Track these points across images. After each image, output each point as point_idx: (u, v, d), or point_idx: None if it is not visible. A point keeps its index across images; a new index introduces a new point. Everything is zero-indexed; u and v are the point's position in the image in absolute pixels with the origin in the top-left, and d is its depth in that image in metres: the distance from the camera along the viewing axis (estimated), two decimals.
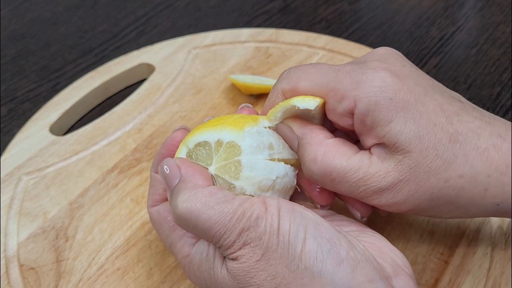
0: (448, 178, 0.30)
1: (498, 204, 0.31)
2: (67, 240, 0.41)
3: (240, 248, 0.28)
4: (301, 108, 0.32)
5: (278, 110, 0.33)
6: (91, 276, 0.39)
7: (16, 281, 0.39)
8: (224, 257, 0.29)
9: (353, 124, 0.32)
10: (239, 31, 0.59)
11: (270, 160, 0.32)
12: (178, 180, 0.30)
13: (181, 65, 0.56)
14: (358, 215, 0.35)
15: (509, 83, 0.55)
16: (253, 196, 0.30)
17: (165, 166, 0.31)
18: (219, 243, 0.28)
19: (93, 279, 0.39)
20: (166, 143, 0.36)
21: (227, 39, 0.58)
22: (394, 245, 0.39)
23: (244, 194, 0.31)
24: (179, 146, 0.33)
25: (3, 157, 0.47)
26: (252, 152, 0.31)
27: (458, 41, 0.61)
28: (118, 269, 0.39)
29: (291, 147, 0.33)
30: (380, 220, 0.41)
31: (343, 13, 0.66)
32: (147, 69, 0.56)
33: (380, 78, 0.31)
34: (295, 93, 0.33)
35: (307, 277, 0.26)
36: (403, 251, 0.39)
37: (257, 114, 0.36)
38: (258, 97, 0.52)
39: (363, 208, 0.35)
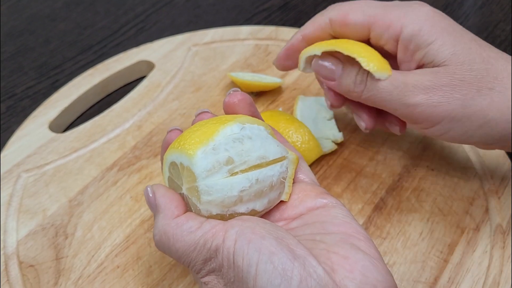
0: (479, 88, 0.34)
1: None
2: (66, 238, 0.41)
3: (207, 275, 0.29)
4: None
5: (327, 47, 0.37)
6: (91, 274, 0.39)
7: (15, 278, 0.39)
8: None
9: (396, 51, 0.37)
10: (239, 29, 0.59)
11: (230, 176, 0.30)
12: (155, 208, 0.31)
13: (180, 62, 0.56)
14: (363, 125, 0.40)
15: None
16: (223, 214, 0.30)
17: (146, 192, 0.32)
18: (190, 269, 0.30)
19: (92, 276, 0.39)
20: (162, 146, 0.36)
21: (227, 36, 0.58)
22: (393, 243, 0.40)
23: (211, 214, 0.30)
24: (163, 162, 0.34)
25: (2, 154, 0.47)
26: (207, 176, 0.30)
27: None
28: (118, 267, 0.39)
29: (327, 78, 0.38)
30: (380, 218, 0.41)
31: None
32: (147, 67, 0.56)
33: (425, 10, 0.36)
34: (344, 22, 0.37)
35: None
36: (402, 249, 0.39)
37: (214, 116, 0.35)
38: (258, 94, 0.52)
39: (368, 117, 0.40)
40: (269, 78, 0.52)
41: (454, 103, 0.34)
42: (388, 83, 0.35)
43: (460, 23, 0.62)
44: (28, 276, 0.39)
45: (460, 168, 0.45)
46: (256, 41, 0.58)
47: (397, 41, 0.36)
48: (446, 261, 0.39)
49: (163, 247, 0.30)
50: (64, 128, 0.52)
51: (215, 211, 0.30)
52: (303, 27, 0.40)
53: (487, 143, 0.36)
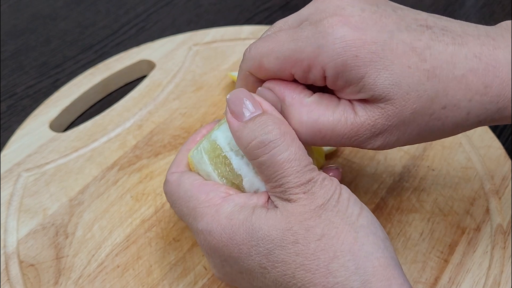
0: (432, 112, 0.30)
1: (480, 121, 0.31)
2: (67, 237, 0.41)
3: (304, 193, 0.29)
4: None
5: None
6: (91, 273, 0.39)
7: (15, 277, 0.39)
8: (267, 205, 0.31)
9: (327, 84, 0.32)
10: (240, 28, 0.59)
11: None
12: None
13: (181, 62, 0.55)
14: None
15: None
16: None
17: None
18: (283, 180, 0.29)
19: (93, 276, 0.39)
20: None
21: (228, 36, 0.58)
22: (394, 243, 0.40)
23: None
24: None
25: (2, 154, 0.47)
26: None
27: None
28: (118, 266, 0.39)
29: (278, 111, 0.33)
30: (380, 218, 0.41)
31: None
32: (147, 66, 0.56)
33: (341, 38, 0.29)
34: (262, 71, 0.33)
35: (363, 231, 0.29)
36: (403, 249, 0.39)
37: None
38: None
39: None
40: None
41: (411, 134, 0.31)
42: (339, 126, 0.31)
43: None
44: (28, 275, 0.39)
45: (460, 168, 0.45)
46: None
47: (324, 78, 0.31)
48: (446, 261, 0.39)
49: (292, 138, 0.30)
50: (65, 127, 0.52)
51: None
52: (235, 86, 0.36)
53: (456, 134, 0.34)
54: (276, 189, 0.30)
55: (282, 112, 0.32)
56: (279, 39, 0.32)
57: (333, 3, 0.31)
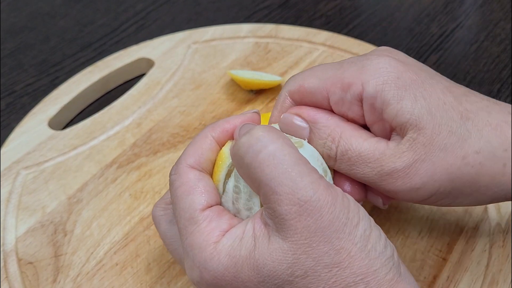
0: (465, 154, 0.30)
1: None
2: (65, 235, 0.41)
3: (300, 214, 0.27)
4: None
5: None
6: (89, 271, 0.39)
7: (14, 275, 0.39)
8: (270, 222, 0.27)
9: (363, 115, 0.32)
10: (239, 26, 0.59)
11: None
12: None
13: (180, 60, 0.55)
14: (380, 201, 0.34)
15: (508, 80, 0.55)
16: None
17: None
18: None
19: (91, 273, 0.39)
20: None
21: (227, 34, 0.58)
22: (393, 241, 0.40)
23: None
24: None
25: (1, 151, 0.47)
26: None
27: (458, 38, 0.61)
28: (117, 264, 0.39)
29: (300, 137, 0.33)
30: (378, 217, 0.41)
31: (343, 9, 0.66)
32: (147, 64, 0.56)
33: (385, 61, 0.31)
34: (302, 93, 0.33)
35: (373, 254, 0.26)
36: (401, 247, 0.39)
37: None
38: (258, 92, 0.52)
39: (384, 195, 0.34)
40: (269, 76, 0.52)
41: (440, 179, 0.30)
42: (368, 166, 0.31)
43: (461, 22, 0.62)
44: (27, 273, 0.39)
45: None
46: (256, 39, 0.57)
47: (361, 101, 0.31)
48: (445, 259, 0.39)
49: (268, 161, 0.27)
50: (64, 125, 0.52)
51: None
52: (271, 116, 0.35)
53: (477, 204, 0.33)
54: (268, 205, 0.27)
55: (311, 135, 0.32)
56: (324, 65, 0.33)
57: (380, 48, 0.34)
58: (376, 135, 0.32)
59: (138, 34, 0.63)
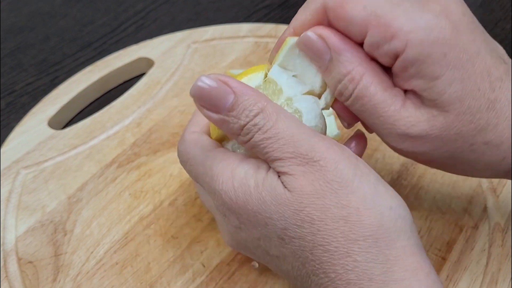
0: (474, 142, 0.30)
1: (507, 172, 0.31)
2: (65, 234, 0.41)
3: (309, 164, 0.28)
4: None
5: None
6: (89, 270, 0.39)
7: (14, 274, 0.39)
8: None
9: (392, 65, 0.30)
10: (239, 26, 0.59)
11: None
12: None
13: (180, 59, 0.55)
14: (345, 124, 0.34)
15: None
16: None
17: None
18: (287, 153, 0.28)
19: (91, 273, 0.39)
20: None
21: (227, 34, 0.58)
22: None
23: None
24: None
25: (1, 151, 0.47)
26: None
27: None
28: (117, 263, 0.39)
29: (316, 62, 0.31)
30: None
31: None
32: (146, 64, 0.56)
33: (440, 29, 0.28)
34: (338, 14, 0.30)
35: (390, 215, 0.27)
36: None
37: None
38: None
39: (349, 116, 0.33)
40: None
41: (442, 156, 0.31)
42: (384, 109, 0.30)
43: None
44: (27, 272, 0.39)
45: None
46: (256, 38, 0.57)
47: (396, 56, 0.29)
48: (444, 259, 0.39)
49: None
50: (64, 124, 0.52)
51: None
52: (294, 18, 0.33)
53: (479, 177, 0.34)
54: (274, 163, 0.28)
55: (330, 64, 0.31)
56: None
57: None
58: (395, 85, 0.31)
59: (138, 34, 0.63)
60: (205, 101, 0.30)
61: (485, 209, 0.42)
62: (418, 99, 0.30)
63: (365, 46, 0.30)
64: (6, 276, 0.39)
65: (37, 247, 0.40)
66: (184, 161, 0.33)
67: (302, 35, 0.31)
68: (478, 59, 0.29)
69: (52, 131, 0.49)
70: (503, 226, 0.40)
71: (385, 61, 0.30)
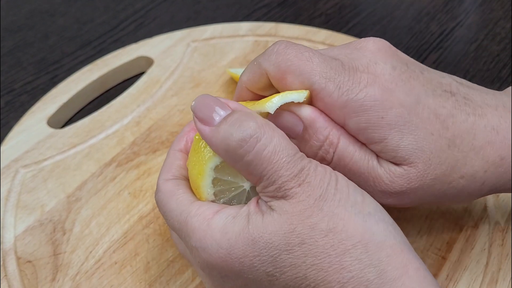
0: (451, 180, 0.31)
1: (492, 190, 0.33)
2: (64, 234, 0.41)
3: (300, 185, 0.27)
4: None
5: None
6: (88, 270, 0.39)
7: (13, 274, 0.39)
8: (265, 207, 0.28)
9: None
10: (238, 25, 0.59)
11: None
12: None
13: (179, 58, 0.55)
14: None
15: (508, 79, 0.55)
16: None
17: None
18: (275, 175, 0.27)
19: (90, 272, 0.39)
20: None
21: (226, 32, 0.58)
22: None
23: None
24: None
25: (0, 150, 0.47)
26: None
27: (457, 36, 0.61)
28: (116, 263, 0.39)
29: (289, 134, 0.31)
30: None
31: (342, 8, 0.66)
32: (146, 62, 0.56)
33: (370, 97, 0.30)
34: (280, 83, 0.31)
35: (371, 219, 0.27)
36: None
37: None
38: None
39: None
40: None
41: (425, 200, 0.32)
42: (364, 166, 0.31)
43: (460, 21, 0.62)
44: (25, 271, 0.39)
45: None
46: (255, 37, 0.57)
47: (343, 125, 0.31)
48: (444, 258, 0.39)
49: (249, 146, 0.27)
50: (63, 123, 0.52)
51: None
52: (242, 75, 0.34)
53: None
54: (268, 188, 0.28)
55: (305, 133, 0.31)
56: (311, 63, 0.31)
57: (367, 55, 0.32)
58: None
59: (137, 33, 0.63)
60: None
61: (485, 208, 0.42)
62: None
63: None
64: (5, 275, 0.39)
65: (36, 246, 0.40)
66: (162, 212, 0.32)
67: (273, 112, 0.31)
68: (419, 107, 0.30)
69: (51, 130, 0.49)
70: (503, 226, 0.40)
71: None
